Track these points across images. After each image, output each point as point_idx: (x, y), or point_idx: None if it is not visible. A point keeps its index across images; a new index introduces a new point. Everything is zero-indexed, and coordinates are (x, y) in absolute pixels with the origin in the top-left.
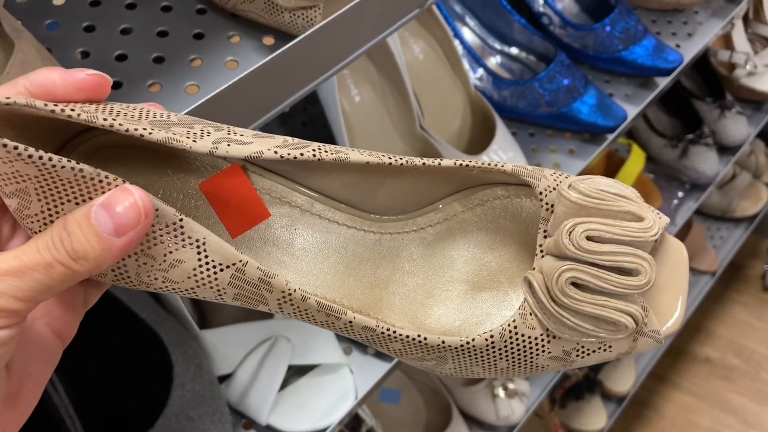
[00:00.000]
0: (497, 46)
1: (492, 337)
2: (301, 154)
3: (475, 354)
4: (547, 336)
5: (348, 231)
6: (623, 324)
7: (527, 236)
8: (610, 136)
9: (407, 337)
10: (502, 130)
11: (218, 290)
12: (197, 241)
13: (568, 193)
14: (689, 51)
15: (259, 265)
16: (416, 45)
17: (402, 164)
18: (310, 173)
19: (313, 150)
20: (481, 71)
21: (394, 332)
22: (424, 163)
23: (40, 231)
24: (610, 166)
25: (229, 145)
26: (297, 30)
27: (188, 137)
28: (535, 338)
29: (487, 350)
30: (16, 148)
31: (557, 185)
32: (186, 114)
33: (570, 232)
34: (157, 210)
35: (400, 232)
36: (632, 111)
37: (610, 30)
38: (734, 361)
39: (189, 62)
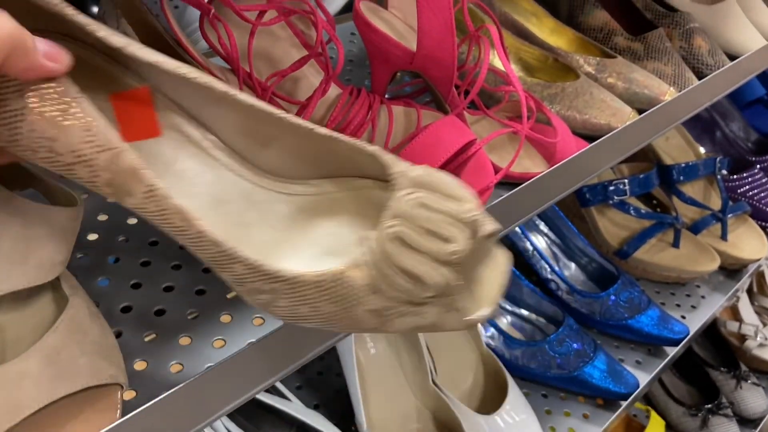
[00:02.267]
0: (508, 306)
1: (322, 275)
2: (196, 78)
3: (305, 291)
4: (370, 289)
5: (226, 173)
6: (434, 282)
7: None
8: (624, 403)
9: (248, 258)
10: (514, 391)
11: (93, 171)
12: (89, 118)
13: (411, 170)
14: (695, 323)
15: (135, 157)
16: None
17: (281, 117)
18: (209, 109)
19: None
20: (492, 330)
21: (239, 254)
22: (300, 125)
23: None
24: None
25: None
26: None
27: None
28: (359, 287)
29: (315, 288)
30: None
31: (406, 169)
32: (215, 367)
33: (404, 196)
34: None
35: (274, 191)
36: (644, 378)
37: (615, 299)
38: None
39: (219, 318)
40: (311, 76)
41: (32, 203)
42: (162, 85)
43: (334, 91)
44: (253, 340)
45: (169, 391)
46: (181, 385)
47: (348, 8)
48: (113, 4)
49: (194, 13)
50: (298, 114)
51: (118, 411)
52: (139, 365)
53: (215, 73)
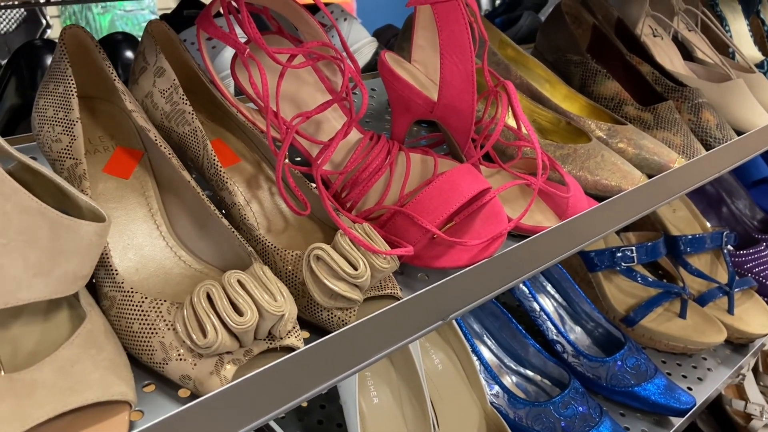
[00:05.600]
0: (513, 366)
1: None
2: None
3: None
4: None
5: (152, 225)
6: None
7: None
8: None
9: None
10: None
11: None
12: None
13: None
14: (701, 395)
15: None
16: (436, 355)
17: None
18: (169, 190)
19: None
20: (497, 388)
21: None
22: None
23: None
24: None
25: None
26: (332, 327)
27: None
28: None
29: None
30: None
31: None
32: (215, 395)
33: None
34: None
35: (175, 253)
36: None
37: (621, 365)
38: None
39: None
40: (334, 120)
41: (63, 216)
42: (150, 150)
43: (354, 135)
44: (262, 368)
45: (172, 412)
46: (182, 408)
47: (369, 68)
48: (154, 41)
49: (223, 63)
50: (319, 155)
51: (126, 429)
52: (149, 388)
53: (243, 112)
